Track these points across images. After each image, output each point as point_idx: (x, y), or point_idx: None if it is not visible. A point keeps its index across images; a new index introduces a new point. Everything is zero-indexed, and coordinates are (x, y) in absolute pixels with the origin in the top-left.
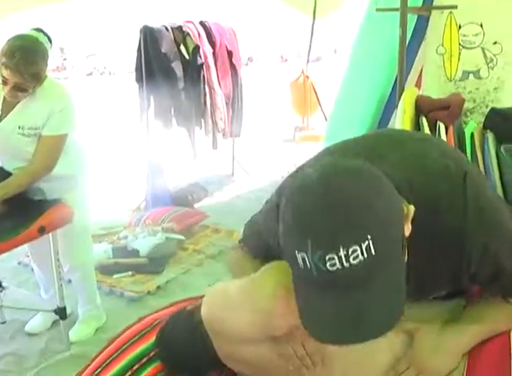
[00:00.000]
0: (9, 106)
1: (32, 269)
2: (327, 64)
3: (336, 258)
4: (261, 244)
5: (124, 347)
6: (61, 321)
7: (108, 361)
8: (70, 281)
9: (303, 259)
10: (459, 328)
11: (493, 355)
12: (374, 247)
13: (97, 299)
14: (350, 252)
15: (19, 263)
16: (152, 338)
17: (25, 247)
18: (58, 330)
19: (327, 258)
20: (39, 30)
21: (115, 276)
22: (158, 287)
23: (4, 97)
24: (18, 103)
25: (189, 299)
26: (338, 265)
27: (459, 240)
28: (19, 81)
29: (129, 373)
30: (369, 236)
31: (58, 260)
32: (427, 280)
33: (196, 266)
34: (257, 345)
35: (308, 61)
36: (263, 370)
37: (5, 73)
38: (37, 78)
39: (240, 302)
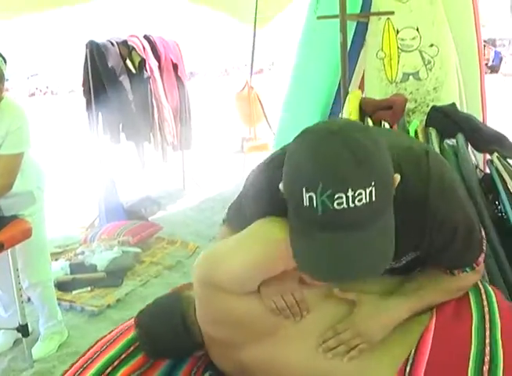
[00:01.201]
0: None
1: None
2: (268, 76)
3: (344, 197)
4: (244, 222)
5: (103, 348)
6: (23, 339)
7: (89, 362)
8: (29, 300)
9: (310, 198)
10: (395, 302)
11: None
12: (376, 194)
13: (58, 315)
14: (356, 194)
15: None
16: (128, 336)
17: None
18: (20, 349)
19: (336, 196)
20: None
21: (74, 292)
22: (118, 300)
23: None
24: None
25: None
26: (345, 205)
27: (423, 205)
28: None
29: (109, 369)
30: (373, 183)
31: (18, 276)
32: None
33: (154, 277)
34: (249, 297)
35: (251, 72)
36: (249, 329)
37: None
38: None
39: (238, 247)
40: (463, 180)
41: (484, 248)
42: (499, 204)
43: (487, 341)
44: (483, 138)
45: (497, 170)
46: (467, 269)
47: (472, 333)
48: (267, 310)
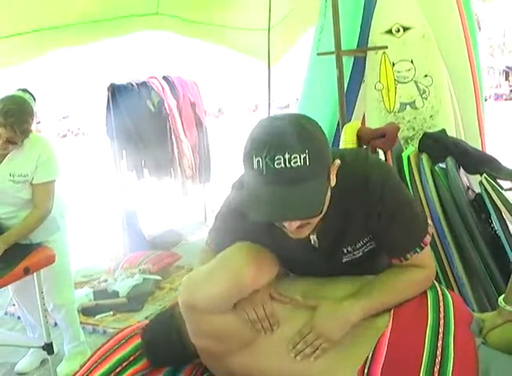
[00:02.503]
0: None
1: (18, 317)
2: (294, 110)
3: (282, 159)
4: (226, 238)
5: (106, 354)
6: (49, 358)
7: (92, 368)
8: (55, 324)
9: (258, 162)
10: (349, 303)
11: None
12: (309, 160)
13: (81, 336)
14: (292, 157)
15: (5, 313)
16: (131, 345)
17: (9, 298)
18: (46, 368)
19: (276, 158)
20: (25, 90)
21: (97, 316)
22: (138, 323)
23: None
24: (8, 153)
25: None
26: (282, 165)
27: (364, 190)
28: (11, 136)
29: (119, 369)
30: (307, 151)
31: (43, 299)
32: (346, 227)
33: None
34: (226, 314)
35: (269, 108)
36: (229, 341)
37: (0, 130)
38: (26, 133)
39: (215, 272)
40: (453, 200)
41: (430, 230)
42: (491, 222)
43: (439, 343)
44: (472, 160)
45: (486, 190)
46: (417, 250)
47: (426, 335)
48: (243, 324)
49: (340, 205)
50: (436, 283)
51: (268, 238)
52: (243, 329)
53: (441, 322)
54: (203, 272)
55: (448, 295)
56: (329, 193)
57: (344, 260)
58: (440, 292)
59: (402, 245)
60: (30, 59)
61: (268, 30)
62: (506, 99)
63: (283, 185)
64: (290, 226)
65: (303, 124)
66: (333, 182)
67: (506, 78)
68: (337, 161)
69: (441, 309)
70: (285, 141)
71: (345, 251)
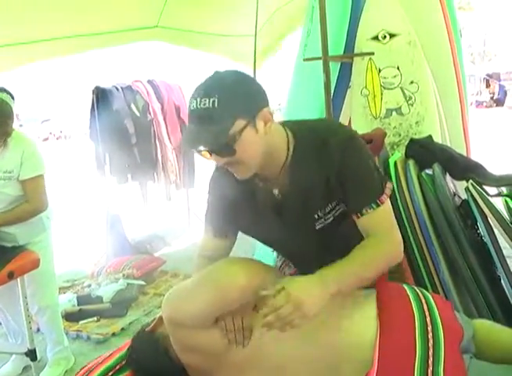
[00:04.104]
0: None
1: None
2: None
3: (195, 101)
4: (213, 213)
5: (92, 368)
6: (32, 364)
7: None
8: (38, 330)
9: (190, 103)
10: (322, 274)
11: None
12: (218, 103)
13: (65, 341)
14: (203, 100)
15: None
16: (115, 356)
17: None
18: (29, 375)
19: (194, 100)
20: (2, 89)
21: (81, 322)
22: (122, 329)
23: None
24: None
25: None
26: (195, 105)
27: (325, 144)
28: None
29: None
30: (216, 96)
31: (27, 304)
32: (311, 189)
33: (158, 308)
34: (210, 330)
35: None
36: (215, 357)
37: None
38: (7, 134)
39: (201, 284)
40: (439, 207)
41: (388, 192)
42: (478, 228)
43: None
44: (459, 166)
45: (472, 196)
46: (373, 205)
47: (415, 368)
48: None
49: (303, 166)
50: (423, 301)
51: (245, 205)
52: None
53: (431, 352)
54: (187, 286)
55: (437, 314)
56: (254, 140)
57: (317, 226)
58: (427, 313)
59: (358, 200)
60: (18, 67)
61: (255, 34)
62: (486, 106)
63: (195, 122)
64: (216, 161)
65: (224, 77)
66: (261, 131)
67: (487, 86)
68: (266, 113)
69: (430, 335)
70: (205, 87)
71: (316, 216)
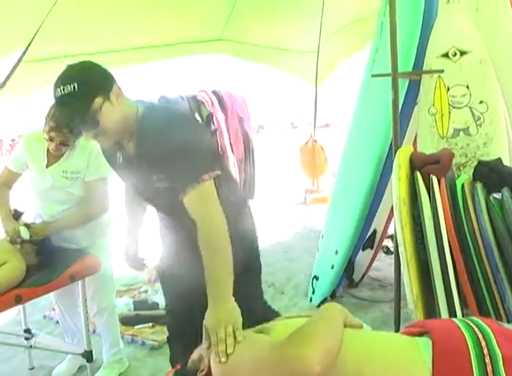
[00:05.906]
0: (53, 156)
1: (57, 322)
2: (336, 130)
3: (59, 89)
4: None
5: None
6: (88, 365)
7: None
8: (94, 332)
9: (54, 92)
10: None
11: None
12: (78, 87)
13: (120, 344)
14: (65, 87)
15: (44, 317)
16: None
17: (50, 301)
18: (84, 375)
19: (56, 88)
20: None
21: (136, 327)
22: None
23: (48, 149)
24: (63, 154)
25: None
26: (60, 92)
27: (152, 127)
28: (63, 139)
29: None
30: (76, 82)
31: (86, 306)
32: (144, 159)
33: None
34: None
35: (314, 126)
36: None
37: (53, 134)
38: (78, 135)
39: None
40: (507, 233)
41: (211, 171)
42: None
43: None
44: None
45: None
46: (194, 184)
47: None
48: None
49: (145, 137)
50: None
51: (115, 161)
52: None
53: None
54: (249, 367)
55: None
56: (111, 112)
57: (156, 185)
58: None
59: (180, 179)
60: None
61: (318, 52)
62: None
63: (62, 105)
64: (87, 137)
65: (76, 66)
66: (115, 104)
67: None
68: (116, 88)
69: (489, 368)
70: (64, 77)
71: (154, 178)
